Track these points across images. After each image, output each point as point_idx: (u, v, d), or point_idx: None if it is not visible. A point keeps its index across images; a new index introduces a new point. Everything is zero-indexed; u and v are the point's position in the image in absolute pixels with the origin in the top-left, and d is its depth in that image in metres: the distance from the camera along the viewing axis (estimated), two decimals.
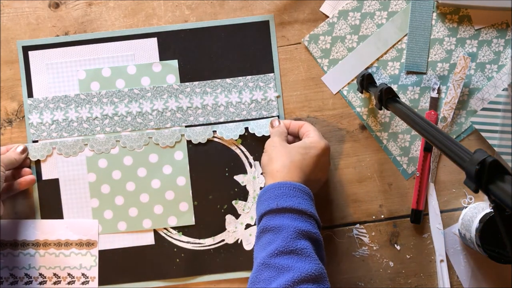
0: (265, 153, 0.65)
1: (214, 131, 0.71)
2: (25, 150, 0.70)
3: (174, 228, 0.71)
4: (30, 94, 0.71)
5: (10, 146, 0.70)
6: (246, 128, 0.71)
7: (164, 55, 0.72)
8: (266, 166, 0.63)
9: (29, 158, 0.71)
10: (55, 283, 0.70)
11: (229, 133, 0.71)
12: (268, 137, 0.69)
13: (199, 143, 0.71)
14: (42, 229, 0.71)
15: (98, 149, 0.71)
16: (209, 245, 0.71)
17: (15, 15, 0.72)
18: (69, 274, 0.70)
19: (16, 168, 0.70)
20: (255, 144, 0.71)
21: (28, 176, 0.70)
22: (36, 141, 0.71)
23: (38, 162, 0.71)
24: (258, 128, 0.71)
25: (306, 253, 0.53)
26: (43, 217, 0.71)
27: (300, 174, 0.61)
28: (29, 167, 0.71)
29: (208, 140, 0.71)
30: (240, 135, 0.71)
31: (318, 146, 0.63)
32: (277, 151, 0.63)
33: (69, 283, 0.71)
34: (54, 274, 0.70)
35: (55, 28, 0.72)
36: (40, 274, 0.70)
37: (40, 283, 0.70)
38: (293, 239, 0.54)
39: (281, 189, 0.58)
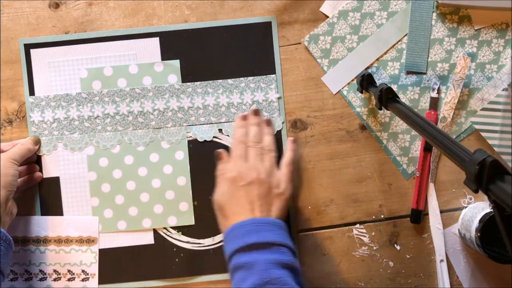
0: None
1: (220, 130, 0.71)
2: (38, 141, 0.70)
3: (173, 228, 0.71)
4: (31, 92, 0.71)
5: (16, 142, 0.69)
6: None
7: (166, 55, 0.72)
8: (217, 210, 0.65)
9: (35, 153, 0.71)
10: (55, 279, 0.70)
11: None
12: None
13: (200, 143, 0.71)
14: (43, 225, 0.71)
15: (103, 145, 0.71)
16: (208, 245, 0.71)
17: (15, 15, 0.72)
18: (69, 271, 0.70)
19: (24, 164, 0.70)
20: None
21: (36, 172, 0.70)
22: None
23: (39, 160, 0.71)
24: None
25: (283, 282, 0.52)
26: (43, 215, 0.71)
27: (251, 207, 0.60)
28: (36, 162, 0.71)
29: (209, 141, 0.72)
30: None
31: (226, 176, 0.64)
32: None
33: (69, 279, 0.70)
34: (54, 271, 0.70)
35: (55, 28, 0.72)
36: (40, 271, 0.70)
37: (40, 280, 0.70)
38: (266, 270, 0.53)
39: (246, 227, 0.58)
